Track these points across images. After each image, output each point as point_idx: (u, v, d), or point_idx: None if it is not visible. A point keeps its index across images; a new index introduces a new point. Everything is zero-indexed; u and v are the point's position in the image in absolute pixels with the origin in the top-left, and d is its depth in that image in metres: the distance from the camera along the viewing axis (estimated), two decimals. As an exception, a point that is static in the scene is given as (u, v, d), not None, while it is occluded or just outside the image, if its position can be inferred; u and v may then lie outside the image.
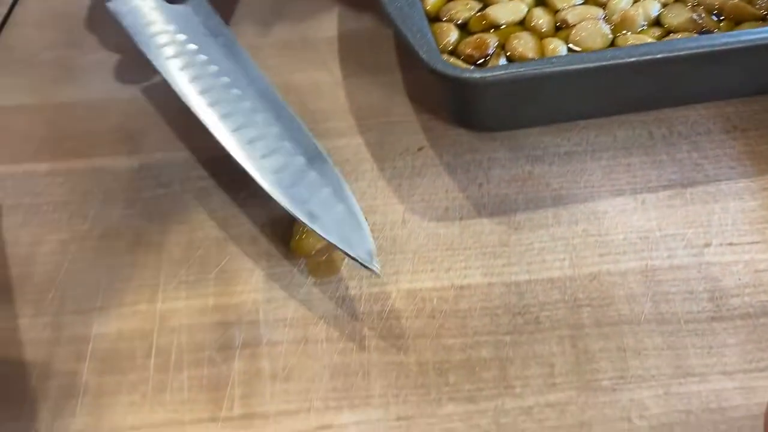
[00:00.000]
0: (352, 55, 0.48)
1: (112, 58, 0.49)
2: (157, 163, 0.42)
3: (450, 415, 0.31)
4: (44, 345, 0.34)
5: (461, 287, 0.35)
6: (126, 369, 0.33)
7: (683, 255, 0.36)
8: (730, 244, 0.37)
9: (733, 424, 0.30)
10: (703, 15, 0.43)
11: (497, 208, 0.39)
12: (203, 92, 0.39)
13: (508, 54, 0.42)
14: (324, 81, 0.47)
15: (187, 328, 0.34)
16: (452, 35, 0.43)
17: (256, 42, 0.49)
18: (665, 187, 0.39)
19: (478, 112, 0.41)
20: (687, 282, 0.35)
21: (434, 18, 0.45)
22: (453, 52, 0.43)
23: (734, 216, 0.38)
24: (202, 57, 0.41)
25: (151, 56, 0.41)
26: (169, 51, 0.41)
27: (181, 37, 0.42)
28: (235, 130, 0.38)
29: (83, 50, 0.50)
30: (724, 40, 0.38)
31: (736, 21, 0.43)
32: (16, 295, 0.36)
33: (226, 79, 0.40)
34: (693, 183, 0.39)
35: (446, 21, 0.45)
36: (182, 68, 0.40)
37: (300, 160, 0.37)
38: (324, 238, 0.34)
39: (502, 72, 0.36)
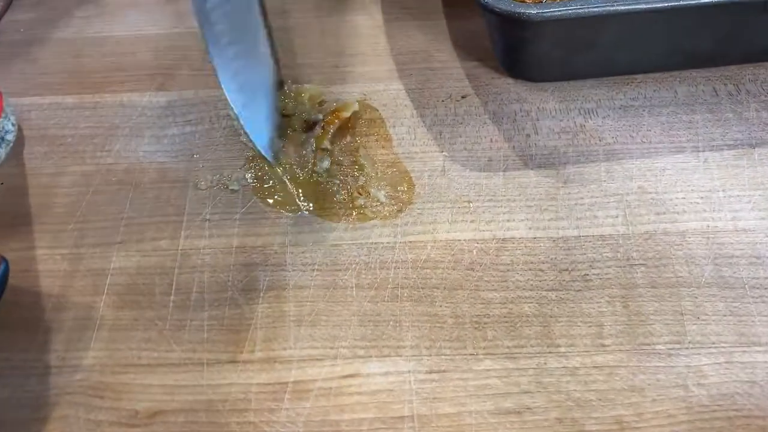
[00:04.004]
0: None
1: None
2: (187, 100, 0.40)
3: (487, 371, 0.28)
4: (61, 276, 0.32)
5: (503, 240, 0.33)
6: (144, 305, 0.31)
7: (749, 218, 0.33)
8: (803, 208, 0.33)
9: (802, 398, 0.27)
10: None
11: (545, 160, 0.36)
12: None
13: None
14: (363, 24, 0.44)
15: (209, 267, 0.32)
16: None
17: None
18: (730, 147, 0.36)
19: (531, 58, 0.38)
20: (753, 246, 0.32)
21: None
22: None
23: (808, 180, 0.34)
24: None
25: None
26: None
27: None
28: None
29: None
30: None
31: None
32: (34, 225, 0.34)
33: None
34: (762, 143, 0.36)
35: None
36: None
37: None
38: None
39: (564, 9, 0.33)
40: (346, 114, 0.38)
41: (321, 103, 0.39)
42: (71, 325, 0.31)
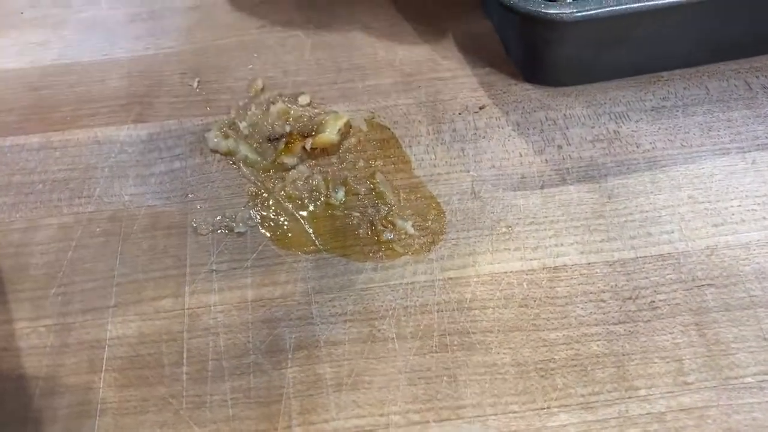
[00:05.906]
0: (387, 6, 0.41)
1: (107, 15, 0.42)
2: (172, 132, 0.35)
3: (564, 427, 0.25)
4: (48, 353, 0.27)
5: (555, 268, 0.29)
6: (152, 380, 0.27)
7: (813, 222, 0.30)
8: None
9: None
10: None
11: (583, 173, 0.33)
12: None
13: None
14: (356, 36, 0.40)
15: (224, 327, 0.28)
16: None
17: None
18: (777, 145, 0.34)
19: (556, 61, 0.35)
20: (824, 254, 0.29)
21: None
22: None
23: None
24: None
25: None
26: None
27: None
28: None
29: (72, 8, 0.42)
30: None
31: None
32: (9, 294, 0.29)
33: None
34: (809, 139, 0.34)
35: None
36: None
37: None
38: None
39: (596, 9, 0.30)
40: (327, 138, 0.34)
41: (287, 119, 0.35)
42: (67, 413, 0.26)
